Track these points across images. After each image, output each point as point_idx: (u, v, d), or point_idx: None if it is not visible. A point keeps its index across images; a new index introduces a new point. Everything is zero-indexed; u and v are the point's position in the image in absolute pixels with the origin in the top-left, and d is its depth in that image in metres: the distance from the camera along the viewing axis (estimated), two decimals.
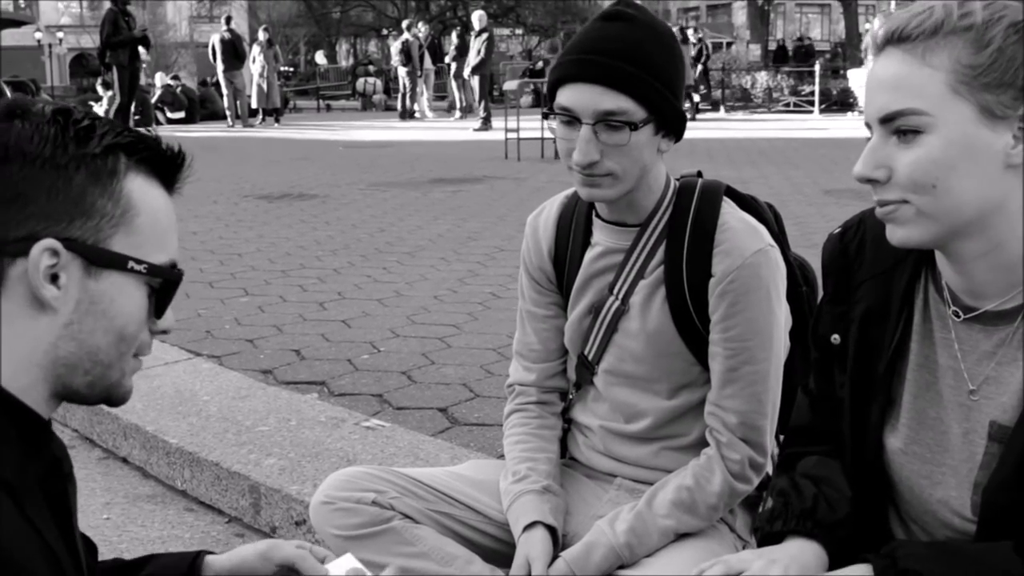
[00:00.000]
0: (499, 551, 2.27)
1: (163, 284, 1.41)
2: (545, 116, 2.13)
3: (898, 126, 1.50)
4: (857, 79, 22.77)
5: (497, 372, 4.72)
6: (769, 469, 2.20)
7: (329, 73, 44.93)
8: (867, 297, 1.73)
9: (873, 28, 1.57)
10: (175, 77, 30.52)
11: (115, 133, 1.36)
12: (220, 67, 23.54)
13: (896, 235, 1.57)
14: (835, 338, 1.78)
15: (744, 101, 31.00)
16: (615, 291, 2.22)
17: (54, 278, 1.30)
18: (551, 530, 2.15)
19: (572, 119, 2.04)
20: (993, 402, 1.59)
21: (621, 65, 2.00)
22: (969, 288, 1.60)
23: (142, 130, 1.42)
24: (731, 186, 2.25)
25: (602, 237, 2.25)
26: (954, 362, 1.64)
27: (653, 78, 2.02)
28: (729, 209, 2.17)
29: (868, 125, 1.56)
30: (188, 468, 3.86)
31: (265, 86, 24.70)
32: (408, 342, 5.37)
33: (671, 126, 2.09)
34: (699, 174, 2.27)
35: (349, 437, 3.90)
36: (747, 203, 2.25)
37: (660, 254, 2.17)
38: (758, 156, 15.44)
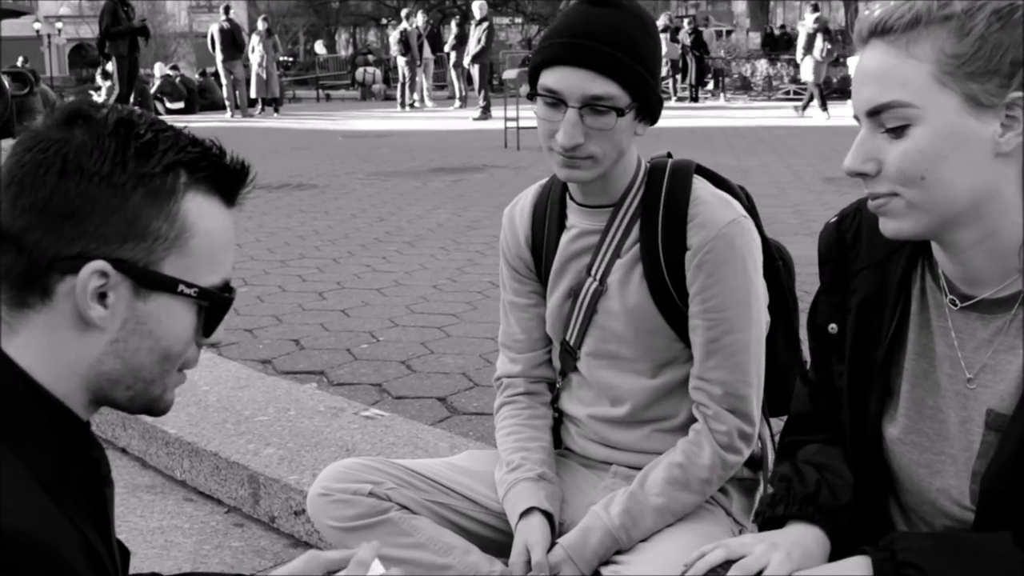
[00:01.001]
0: (496, 540, 2.27)
1: (213, 305, 1.39)
2: (530, 97, 2.13)
3: (885, 119, 1.50)
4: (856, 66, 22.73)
5: (496, 361, 4.70)
6: (758, 442, 2.20)
7: (328, 63, 44.83)
8: (864, 286, 1.73)
9: (858, 20, 1.56)
10: (174, 67, 30.52)
11: (178, 148, 1.33)
12: (219, 57, 23.52)
13: (888, 227, 1.57)
14: (832, 327, 1.78)
15: (744, 89, 31.01)
16: (592, 272, 2.22)
17: (102, 296, 1.29)
18: (548, 516, 2.16)
19: (557, 101, 2.05)
20: (990, 390, 1.59)
21: (611, 51, 2.02)
22: (965, 276, 1.60)
23: (206, 140, 1.38)
24: (700, 164, 2.26)
25: (577, 219, 2.26)
26: (951, 351, 1.64)
27: (639, 65, 2.05)
28: (700, 184, 2.20)
29: (857, 118, 1.56)
30: (187, 458, 3.86)
31: (264, 76, 24.68)
32: (407, 331, 5.38)
33: (651, 111, 2.11)
34: (669, 155, 2.28)
35: (348, 427, 3.91)
36: (718, 180, 2.26)
37: (635, 232, 2.19)
38: (758, 144, 15.43)
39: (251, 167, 1.41)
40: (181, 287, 1.33)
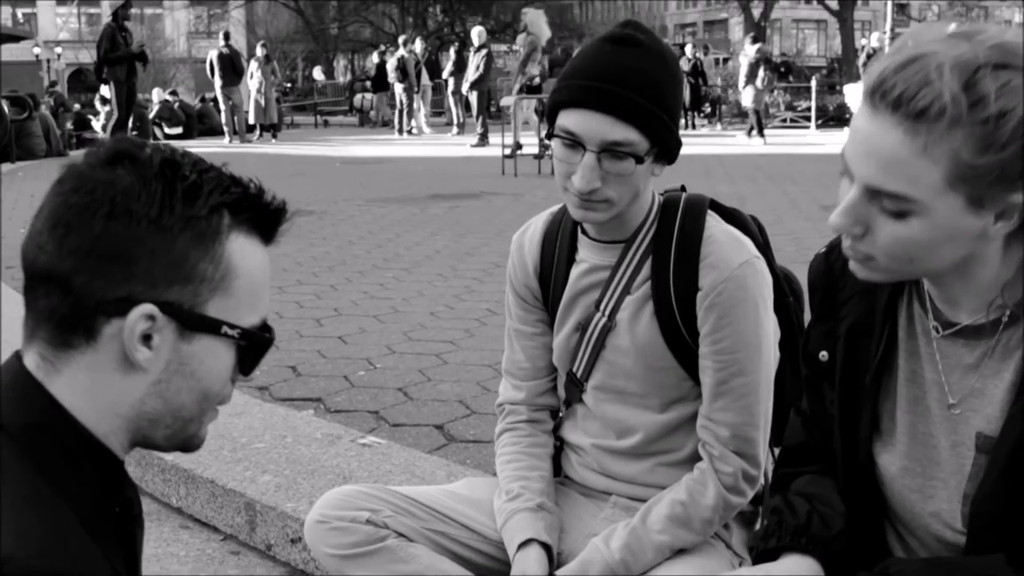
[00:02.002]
0: (494, 569, 2.26)
1: (252, 344, 1.39)
2: (548, 137, 2.12)
3: (886, 202, 1.47)
4: (853, 94, 22.90)
5: (493, 389, 4.68)
6: (763, 481, 2.20)
7: (327, 89, 45.00)
8: (852, 313, 1.74)
9: (871, 72, 1.48)
10: (173, 92, 30.58)
11: (221, 190, 1.33)
12: (218, 83, 23.57)
13: (861, 274, 1.59)
14: (823, 355, 1.79)
15: (741, 117, 31.07)
16: (602, 307, 2.22)
17: (146, 338, 1.29)
18: (546, 548, 2.15)
19: (575, 143, 2.03)
20: (979, 414, 1.60)
21: (632, 96, 1.99)
22: (948, 301, 1.62)
23: (245, 179, 1.39)
24: (715, 199, 2.25)
25: (587, 254, 2.25)
26: (938, 376, 1.64)
27: (661, 110, 2.03)
28: (714, 222, 2.18)
29: (847, 170, 1.52)
30: (183, 485, 3.84)
31: (263, 101, 24.74)
32: (405, 358, 5.37)
33: (669, 153, 2.10)
34: (682, 188, 2.28)
35: (345, 454, 3.89)
36: (731, 216, 2.25)
37: (646, 269, 2.18)
38: (755, 172, 15.45)
39: (290, 206, 1.42)
40: (224, 328, 1.34)
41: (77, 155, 1.37)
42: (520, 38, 18.58)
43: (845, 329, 1.75)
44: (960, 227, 1.46)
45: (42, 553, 1.17)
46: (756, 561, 1.80)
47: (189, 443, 1.43)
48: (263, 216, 1.39)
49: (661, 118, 2.03)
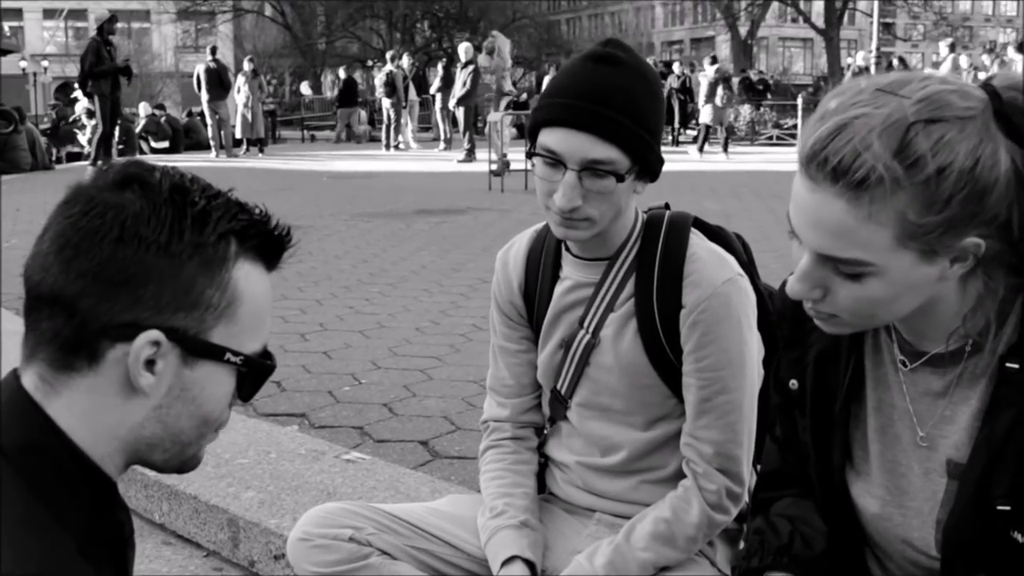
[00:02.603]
0: None
1: (253, 371, 1.39)
2: (529, 155, 2.12)
3: (841, 267, 1.46)
4: None
5: (478, 405, 4.67)
6: (747, 499, 2.19)
7: (314, 103, 44.95)
8: (820, 340, 1.73)
9: (803, 144, 1.45)
10: (160, 106, 30.53)
11: (230, 217, 1.32)
12: (205, 97, 23.52)
13: (828, 330, 1.60)
14: (793, 383, 1.79)
15: (727, 134, 31.19)
16: (585, 324, 2.21)
17: (149, 363, 1.28)
18: (530, 565, 2.14)
19: (556, 162, 2.03)
20: (948, 440, 1.60)
21: (613, 116, 1.99)
22: (913, 333, 1.62)
23: (250, 206, 1.38)
24: (698, 217, 2.25)
25: (571, 271, 2.25)
26: (907, 404, 1.65)
27: (642, 129, 2.03)
28: (697, 240, 2.18)
29: (795, 235, 1.51)
30: (166, 501, 3.82)
31: (250, 116, 24.71)
32: (389, 374, 5.36)
33: (651, 171, 2.10)
34: (666, 206, 2.28)
35: (329, 470, 3.88)
36: (715, 233, 2.26)
37: (630, 287, 2.18)
38: (741, 188, 15.50)
39: (292, 231, 1.42)
40: (228, 355, 1.33)
41: (72, 169, 1.33)
42: (484, 58, 18.95)
43: (813, 357, 1.75)
44: (917, 278, 1.46)
45: (40, 573, 1.17)
46: None
47: (186, 466, 1.43)
48: (269, 243, 1.39)
49: (642, 136, 2.03)
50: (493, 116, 17.59)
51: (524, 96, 31.38)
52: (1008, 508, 1.50)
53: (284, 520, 3.41)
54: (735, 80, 25.06)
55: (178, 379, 1.31)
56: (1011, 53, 22.92)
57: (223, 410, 1.39)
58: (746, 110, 31.19)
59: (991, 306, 1.53)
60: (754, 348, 2.16)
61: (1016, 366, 1.51)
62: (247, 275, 1.34)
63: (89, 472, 1.31)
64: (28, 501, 1.23)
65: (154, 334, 1.26)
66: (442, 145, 24.97)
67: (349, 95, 31.13)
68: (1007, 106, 1.41)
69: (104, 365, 1.28)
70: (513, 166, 15.59)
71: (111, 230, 1.25)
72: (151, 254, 1.26)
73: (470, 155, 20.99)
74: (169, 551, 3.67)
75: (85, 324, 1.26)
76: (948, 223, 1.40)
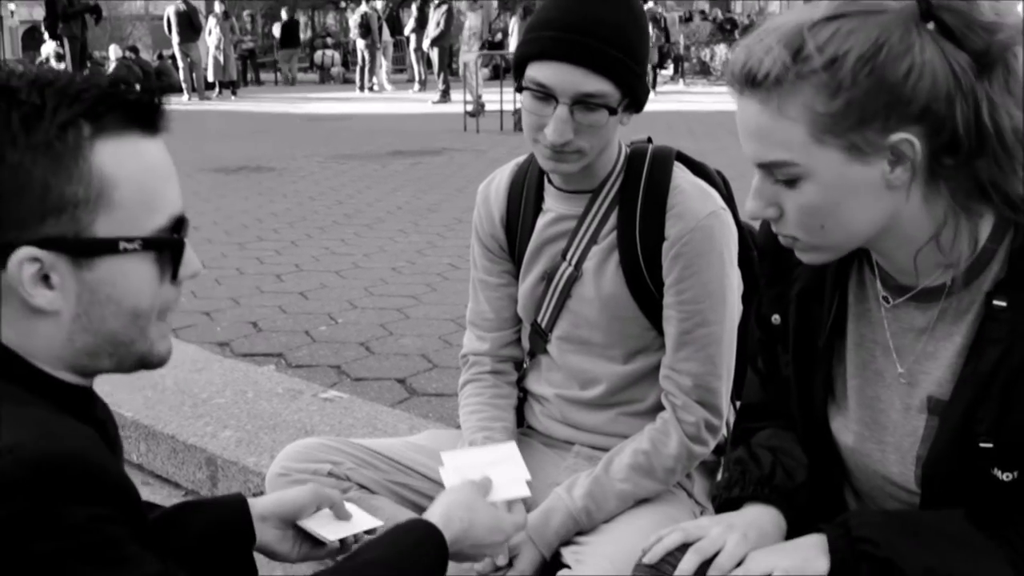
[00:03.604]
0: None
1: (168, 247, 1.31)
2: (517, 90, 2.08)
3: (776, 173, 1.49)
4: None
5: (455, 343, 4.69)
6: (725, 432, 2.20)
7: None
8: (802, 277, 1.73)
9: (727, 62, 1.52)
10: (132, 48, 30.10)
11: (69, 101, 1.22)
12: (175, 39, 23.24)
13: (802, 258, 1.60)
14: (775, 318, 1.78)
15: (704, 74, 31.07)
16: (568, 257, 2.20)
17: (45, 279, 1.22)
18: None
19: (547, 96, 2.01)
20: (931, 377, 1.59)
21: (605, 48, 1.97)
22: (896, 269, 1.61)
23: (100, 76, 1.27)
24: (681, 151, 2.24)
25: (554, 204, 2.23)
26: (887, 341, 1.64)
27: (633, 60, 2.01)
28: (681, 173, 2.17)
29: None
30: (144, 441, 3.81)
31: (222, 59, 24.45)
32: (366, 313, 5.35)
33: (638, 102, 2.09)
34: (649, 140, 2.26)
35: (307, 408, 3.88)
36: (697, 168, 2.24)
37: (613, 219, 2.16)
38: (717, 128, 15.45)
39: (165, 76, 1.33)
40: (122, 244, 1.25)
41: None
42: (465, 4, 18.76)
43: (796, 293, 1.74)
44: (852, 180, 1.45)
45: (48, 435, 1.15)
46: (719, 511, 1.79)
47: (146, 361, 1.36)
48: (132, 109, 1.27)
49: (632, 68, 2.01)
50: (466, 56, 17.46)
51: (499, 36, 31.13)
52: (991, 445, 1.49)
53: (262, 459, 3.41)
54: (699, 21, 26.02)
55: (82, 285, 1.25)
56: None
57: (153, 297, 1.31)
58: (721, 49, 31.08)
59: (966, 230, 1.52)
60: (735, 282, 2.16)
61: (1003, 303, 1.50)
62: (113, 154, 1.24)
63: (52, 383, 1.27)
64: (13, 392, 1.21)
65: (26, 251, 1.20)
66: (417, 86, 24.81)
67: (290, 37, 31.03)
68: (936, 7, 1.42)
69: (4, 292, 1.22)
70: (488, 107, 15.49)
71: None
72: None
73: (445, 96, 20.87)
74: (147, 491, 3.66)
75: None
76: (860, 112, 1.41)
